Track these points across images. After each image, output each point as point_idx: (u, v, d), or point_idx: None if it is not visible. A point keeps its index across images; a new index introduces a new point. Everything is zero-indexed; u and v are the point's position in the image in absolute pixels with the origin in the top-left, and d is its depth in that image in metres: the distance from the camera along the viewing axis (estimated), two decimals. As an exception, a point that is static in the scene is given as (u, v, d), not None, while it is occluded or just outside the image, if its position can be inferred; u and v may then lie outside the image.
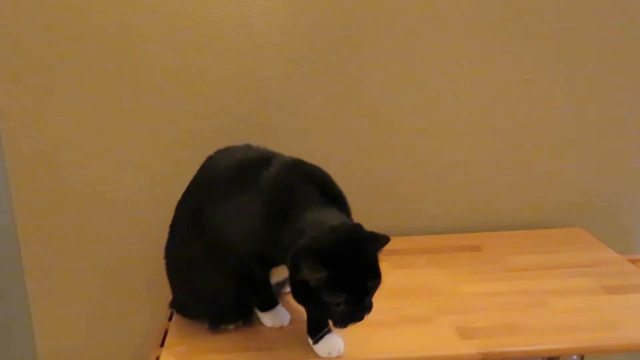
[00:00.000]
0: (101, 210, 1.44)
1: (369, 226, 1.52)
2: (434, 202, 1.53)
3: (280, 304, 1.14)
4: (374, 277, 0.94)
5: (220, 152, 1.17)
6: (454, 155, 1.50)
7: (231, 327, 1.13)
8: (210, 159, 1.16)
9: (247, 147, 1.17)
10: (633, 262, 1.34)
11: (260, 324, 1.14)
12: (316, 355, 1.03)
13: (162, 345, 1.11)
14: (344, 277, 0.91)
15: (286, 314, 1.14)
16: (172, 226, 1.17)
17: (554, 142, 1.52)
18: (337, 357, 1.03)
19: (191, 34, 1.35)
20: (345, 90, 1.43)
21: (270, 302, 1.13)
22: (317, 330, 1.03)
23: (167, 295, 1.21)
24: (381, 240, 0.95)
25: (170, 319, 1.21)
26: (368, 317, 1.14)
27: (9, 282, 1.48)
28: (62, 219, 1.44)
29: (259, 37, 1.37)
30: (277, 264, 1.04)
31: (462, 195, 1.53)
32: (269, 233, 0.99)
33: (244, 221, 1.03)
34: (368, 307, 0.95)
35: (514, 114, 1.48)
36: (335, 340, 1.03)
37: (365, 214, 1.51)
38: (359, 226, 0.98)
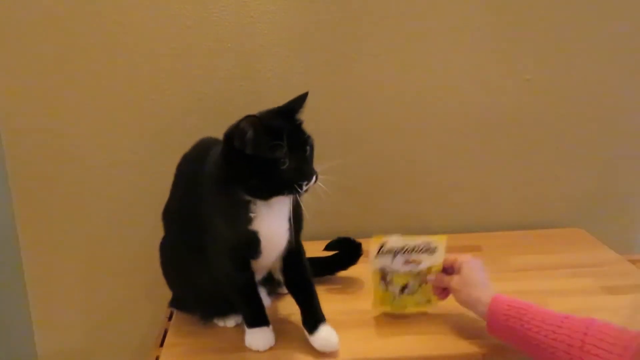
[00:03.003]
0: (101, 210, 1.44)
1: (369, 226, 1.53)
2: (433, 202, 1.53)
3: (270, 327, 1.06)
4: (305, 132, 0.98)
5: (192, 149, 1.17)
6: (454, 155, 1.50)
7: (231, 324, 1.13)
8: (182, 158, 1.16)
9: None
10: (633, 262, 1.34)
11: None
12: (316, 355, 1.03)
13: (162, 345, 1.11)
14: (276, 131, 0.93)
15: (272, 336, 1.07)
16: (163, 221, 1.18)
17: (554, 143, 1.52)
18: (333, 349, 1.03)
19: (191, 34, 1.35)
20: (345, 90, 1.43)
21: (260, 316, 1.07)
22: (312, 322, 1.04)
23: (167, 295, 1.21)
24: (302, 97, 1.00)
25: (170, 319, 1.21)
26: (369, 317, 1.14)
27: (9, 282, 1.47)
28: (62, 219, 1.44)
29: (259, 37, 1.37)
30: (251, 249, 1.02)
31: (462, 195, 1.53)
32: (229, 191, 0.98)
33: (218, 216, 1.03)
34: (312, 169, 0.97)
35: (514, 114, 1.48)
36: (330, 333, 1.04)
37: (365, 214, 1.52)
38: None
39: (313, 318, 1.04)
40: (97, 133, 1.40)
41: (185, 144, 1.40)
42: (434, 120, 1.47)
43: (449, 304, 1.18)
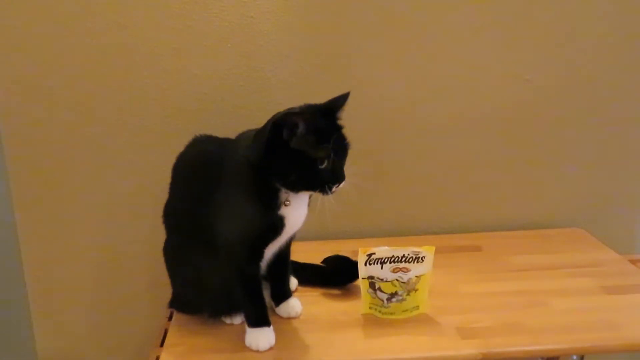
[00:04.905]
0: (101, 210, 1.44)
1: (368, 226, 1.53)
2: (434, 202, 1.53)
3: (271, 327, 1.08)
4: (346, 138, 1.03)
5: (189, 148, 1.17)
6: (454, 155, 1.50)
7: (237, 321, 1.13)
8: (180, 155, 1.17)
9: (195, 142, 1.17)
10: (633, 262, 1.34)
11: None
12: (317, 355, 1.04)
13: (162, 345, 1.11)
14: (324, 132, 0.99)
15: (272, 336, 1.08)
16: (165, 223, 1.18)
17: (553, 143, 1.52)
18: (296, 317, 1.15)
19: (191, 34, 1.35)
20: (345, 90, 1.42)
21: (262, 316, 1.08)
22: (282, 295, 1.16)
23: (167, 295, 1.21)
24: (343, 96, 1.04)
25: (170, 319, 1.21)
26: (369, 317, 1.14)
27: (9, 282, 1.48)
28: (62, 219, 1.44)
29: (259, 37, 1.37)
30: (275, 234, 1.06)
31: (462, 195, 1.53)
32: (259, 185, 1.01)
33: (237, 209, 1.05)
34: (343, 173, 1.03)
35: (514, 114, 1.48)
36: (294, 303, 1.16)
37: (365, 214, 1.52)
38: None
39: (283, 291, 1.17)
40: (97, 133, 1.40)
41: (185, 144, 1.40)
42: (433, 120, 1.47)
43: (449, 305, 1.18)
